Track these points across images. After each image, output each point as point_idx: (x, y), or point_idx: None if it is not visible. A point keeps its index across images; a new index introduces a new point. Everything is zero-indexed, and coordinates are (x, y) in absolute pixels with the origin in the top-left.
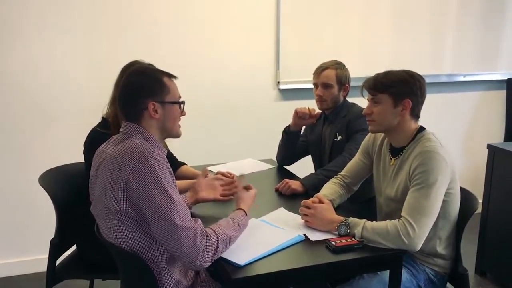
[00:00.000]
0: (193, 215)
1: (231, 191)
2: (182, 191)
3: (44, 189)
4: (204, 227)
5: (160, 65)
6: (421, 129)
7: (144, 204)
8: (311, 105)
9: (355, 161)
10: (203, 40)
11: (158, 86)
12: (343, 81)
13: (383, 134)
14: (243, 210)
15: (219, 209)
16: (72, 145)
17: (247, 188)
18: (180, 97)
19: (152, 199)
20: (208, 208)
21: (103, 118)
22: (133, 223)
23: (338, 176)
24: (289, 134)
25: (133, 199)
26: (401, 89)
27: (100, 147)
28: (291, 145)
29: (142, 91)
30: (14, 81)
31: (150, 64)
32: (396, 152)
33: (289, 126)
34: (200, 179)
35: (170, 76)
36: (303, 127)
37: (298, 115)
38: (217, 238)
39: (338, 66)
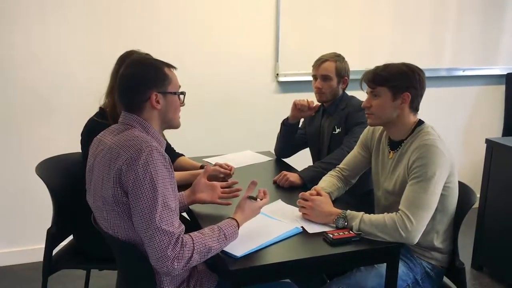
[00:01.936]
0: (191, 213)
1: (230, 194)
2: (179, 182)
3: (41, 178)
4: (191, 231)
5: (159, 57)
6: (420, 122)
7: (130, 196)
8: (310, 97)
9: (353, 154)
10: (203, 33)
11: (160, 76)
12: (342, 73)
13: (382, 127)
14: (236, 221)
15: (218, 208)
16: (70, 135)
17: (254, 198)
18: (180, 87)
19: (139, 193)
20: (208, 206)
21: (100, 108)
22: (129, 215)
23: (336, 169)
24: (287, 126)
25: (124, 189)
26: (400, 82)
27: (98, 136)
28: (289, 137)
29: (145, 82)
30: (13, 71)
31: (147, 54)
32: (395, 145)
33: (287, 118)
34: (200, 178)
35: (170, 66)
36: (302, 120)
37: (297, 107)
38: (193, 248)
39: (337, 58)
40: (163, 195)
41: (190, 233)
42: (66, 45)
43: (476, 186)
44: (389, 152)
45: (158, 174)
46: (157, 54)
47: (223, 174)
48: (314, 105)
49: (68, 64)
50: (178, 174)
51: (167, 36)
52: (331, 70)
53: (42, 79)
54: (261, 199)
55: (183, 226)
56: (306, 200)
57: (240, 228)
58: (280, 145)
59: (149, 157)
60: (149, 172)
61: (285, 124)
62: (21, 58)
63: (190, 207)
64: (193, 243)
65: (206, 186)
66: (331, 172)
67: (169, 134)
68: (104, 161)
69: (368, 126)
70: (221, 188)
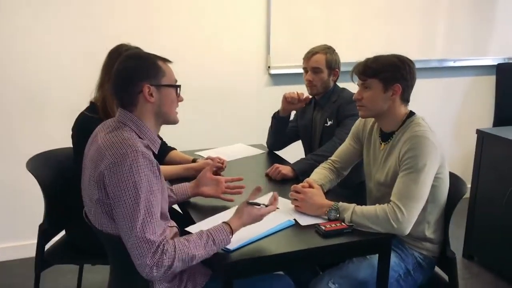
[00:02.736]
0: (192, 205)
1: (233, 190)
2: (171, 177)
3: (32, 174)
4: (182, 224)
5: (150, 50)
6: (411, 114)
7: (112, 201)
8: (302, 90)
9: (345, 146)
10: (194, 26)
11: (153, 69)
12: (333, 65)
13: (373, 119)
14: (230, 227)
15: (215, 202)
16: (61, 130)
17: (256, 204)
18: (176, 81)
19: (121, 199)
20: (209, 201)
21: (91, 102)
22: (113, 216)
23: (328, 161)
24: (278, 120)
25: (107, 192)
26: (391, 73)
27: (96, 129)
28: (281, 130)
29: (137, 74)
30: (2, 67)
31: (137, 48)
32: (386, 137)
33: (278, 111)
34: (205, 172)
35: (165, 60)
36: (293, 112)
37: (287, 100)
38: (174, 257)
39: (328, 50)
40: (147, 201)
41: (175, 239)
42: (56, 40)
43: (467, 176)
44: (381, 144)
45: (142, 180)
46: (148, 49)
47: (215, 168)
48: (304, 97)
49: (58, 59)
50: (170, 168)
51: (158, 31)
52: (321, 63)
53: (32, 75)
54: (266, 206)
55: (168, 232)
56: (298, 192)
57: (235, 234)
58: (271, 138)
59: (134, 162)
60: (133, 178)
61: (276, 117)
62: (10, 54)
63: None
64: (175, 251)
65: (211, 180)
66: (323, 164)
67: (161, 128)
68: (92, 160)
69: (360, 118)
70: (225, 182)
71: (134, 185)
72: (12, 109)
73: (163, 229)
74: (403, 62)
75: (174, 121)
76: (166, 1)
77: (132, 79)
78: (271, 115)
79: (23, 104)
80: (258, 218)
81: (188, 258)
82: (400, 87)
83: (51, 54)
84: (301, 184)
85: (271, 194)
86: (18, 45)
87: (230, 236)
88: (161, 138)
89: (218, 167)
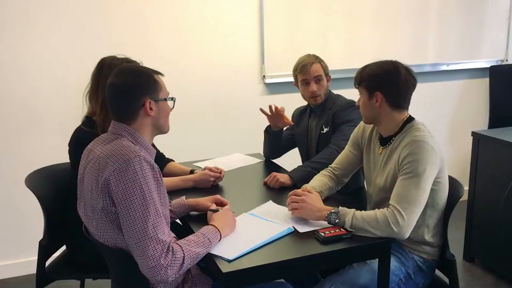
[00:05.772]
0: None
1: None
2: (169, 188)
3: (31, 190)
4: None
5: (145, 62)
6: (410, 119)
7: (119, 207)
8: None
9: (345, 153)
10: (188, 37)
11: (152, 84)
12: (327, 72)
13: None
14: (214, 226)
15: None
16: (58, 145)
17: (214, 210)
18: (168, 93)
19: (129, 203)
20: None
21: (87, 117)
22: (118, 224)
23: (328, 168)
24: (271, 134)
25: (113, 199)
26: (371, 82)
27: (88, 146)
28: (275, 142)
29: (139, 89)
30: None
31: (126, 58)
32: (385, 141)
33: (270, 125)
34: (206, 203)
35: (158, 73)
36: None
37: (269, 115)
38: (183, 255)
39: (318, 59)
40: (154, 203)
41: (176, 241)
42: (52, 54)
43: (463, 179)
44: (379, 148)
45: (148, 182)
46: (143, 60)
47: (213, 178)
48: (288, 121)
49: (53, 75)
50: (168, 180)
51: (153, 42)
52: (321, 71)
53: (28, 90)
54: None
55: (172, 234)
56: (298, 196)
57: (224, 236)
58: (268, 149)
59: (138, 166)
60: (139, 182)
61: (268, 132)
62: (6, 68)
63: None
64: (183, 251)
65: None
66: (323, 172)
67: (158, 140)
68: (93, 171)
69: (359, 125)
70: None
71: (141, 188)
72: (8, 125)
73: (168, 230)
74: (385, 71)
75: (167, 131)
76: (161, 13)
77: (135, 94)
78: (267, 124)
79: (20, 119)
80: (228, 216)
81: (193, 256)
82: (380, 94)
83: (48, 69)
84: (299, 189)
85: (269, 202)
86: (12, 59)
87: (219, 233)
88: (158, 150)
89: (216, 177)
